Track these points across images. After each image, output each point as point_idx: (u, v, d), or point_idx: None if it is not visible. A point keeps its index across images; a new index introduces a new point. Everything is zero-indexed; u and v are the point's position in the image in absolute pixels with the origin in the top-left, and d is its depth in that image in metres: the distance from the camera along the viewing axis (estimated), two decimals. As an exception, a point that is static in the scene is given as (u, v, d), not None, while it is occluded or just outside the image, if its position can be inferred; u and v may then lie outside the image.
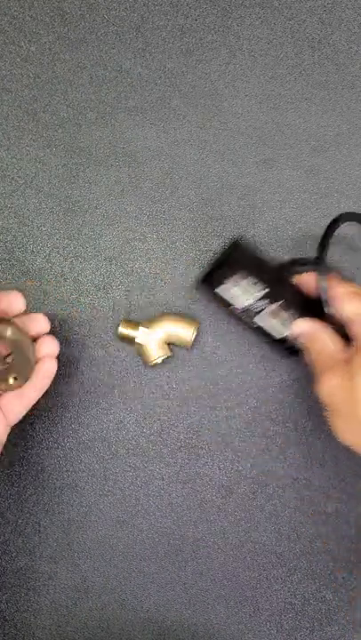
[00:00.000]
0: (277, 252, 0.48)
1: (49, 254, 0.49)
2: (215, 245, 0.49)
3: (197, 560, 0.47)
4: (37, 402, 0.42)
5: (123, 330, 0.46)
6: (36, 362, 0.41)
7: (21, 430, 0.47)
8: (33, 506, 0.48)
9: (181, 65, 0.50)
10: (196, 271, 0.49)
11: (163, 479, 0.47)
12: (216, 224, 0.49)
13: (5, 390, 0.40)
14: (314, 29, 0.50)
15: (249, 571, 0.47)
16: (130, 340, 0.46)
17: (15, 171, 0.49)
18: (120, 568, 0.47)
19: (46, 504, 0.48)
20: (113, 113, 0.50)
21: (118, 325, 0.46)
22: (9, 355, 0.40)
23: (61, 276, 0.48)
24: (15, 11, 0.50)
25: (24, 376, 0.40)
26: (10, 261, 0.49)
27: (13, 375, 0.40)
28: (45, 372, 0.42)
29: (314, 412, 0.47)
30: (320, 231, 0.48)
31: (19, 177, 0.49)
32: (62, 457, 0.48)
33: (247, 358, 0.48)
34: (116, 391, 0.48)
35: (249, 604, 0.47)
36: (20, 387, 0.40)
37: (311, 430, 0.47)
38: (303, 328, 0.42)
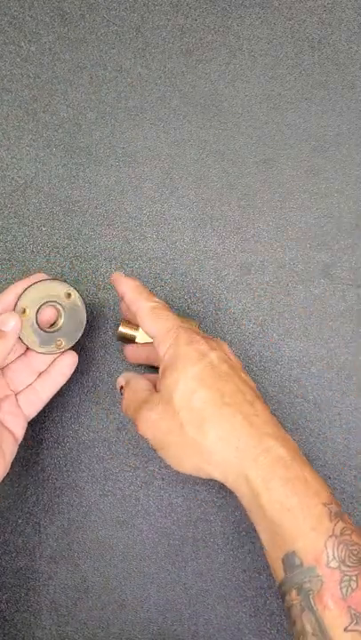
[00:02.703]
0: (277, 252, 0.49)
1: (49, 254, 0.49)
2: (215, 245, 0.49)
3: (197, 560, 0.47)
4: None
5: (123, 330, 0.46)
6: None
7: (21, 430, 0.48)
8: (33, 506, 0.48)
9: (181, 65, 0.50)
10: (196, 271, 0.49)
11: (163, 479, 0.47)
12: (216, 224, 0.49)
13: (50, 353, 0.42)
14: (314, 29, 0.50)
15: (249, 571, 0.47)
16: (130, 340, 0.46)
17: (15, 171, 0.49)
18: (120, 568, 0.47)
19: (46, 504, 0.48)
20: (113, 113, 0.50)
21: (118, 325, 0.46)
22: (60, 318, 0.42)
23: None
24: (15, 11, 0.50)
25: (70, 342, 0.43)
26: (10, 261, 0.49)
27: (60, 339, 0.42)
28: (64, 366, 0.43)
29: (314, 413, 0.47)
30: (320, 231, 0.48)
31: (19, 177, 0.49)
32: (62, 457, 0.48)
33: (246, 358, 0.48)
34: (115, 391, 0.48)
35: (249, 604, 0.47)
36: (62, 351, 0.43)
37: (311, 430, 0.47)
38: (120, 381, 0.42)
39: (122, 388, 0.41)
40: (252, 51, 0.50)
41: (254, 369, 0.48)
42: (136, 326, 0.46)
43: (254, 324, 0.48)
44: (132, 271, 0.49)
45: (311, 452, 0.47)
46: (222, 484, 0.35)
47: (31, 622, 0.47)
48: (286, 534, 0.32)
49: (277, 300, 0.48)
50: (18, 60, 0.50)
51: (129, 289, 0.40)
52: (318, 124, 0.49)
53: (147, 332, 0.39)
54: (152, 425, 0.36)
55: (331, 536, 0.31)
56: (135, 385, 0.40)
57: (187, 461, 0.36)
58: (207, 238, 0.49)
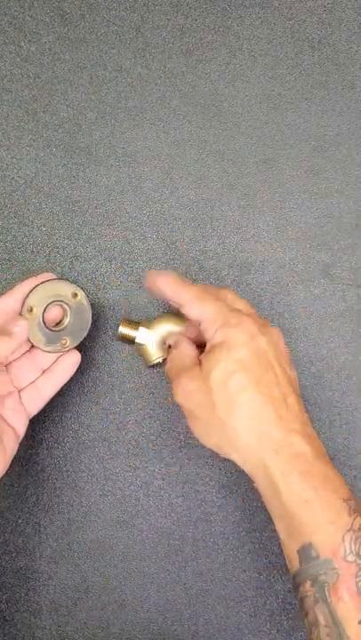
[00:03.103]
0: (277, 252, 0.49)
1: (49, 254, 0.49)
2: (215, 245, 0.49)
3: (197, 560, 0.47)
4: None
5: (123, 330, 0.46)
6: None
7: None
8: (33, 506, 0.48)
9: (181, 65, 0.50)
10: (196, 271, 0.49)
11: (163, 479, 0.47)
12: (216, 224, 0.49)
13: (55, 351, 0.43)
14: (314, 29, 0.50)
15: (249, 571, 0.47)
16: (130, 340, 0.46)
17: (15, 171, 0.49)
18: (120, 568, 0.47)
19: (46, 504, 0.48)
20: (113, 113, 0.50)
21: (118, 325, 0.46)
22: (66, 318, 0.43)
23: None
24: (15, 11, 0.50)
25: (75, 341, 0.43)
26: (10, 261, 0.49)
27: (66, 338, 0.43)
28: (68, 364, 0.43)
29: (314, 413, 0.47)
30: (320, 231, 0.48)
31: (19, 177, 0.49)
32: (62, 457, 0.48)
33: (247, 358, 0.48)
34: (115, 391, 0.48)
35: (249, 604, 0.47)
36: (67, 350, 0.43)
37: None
38: (169, 340, 0.42)
39: (170, 347, 0.42)
40: (252, 51, 0.50)
41: (254, 369, 0.48)
42: (136, 326, 0.46)
43: (254, 323, 0.48)
44: (132, 271, 0.49)
45: (311, 452, 0.47)
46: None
47: (31, 622, 0.47)
48: (303, 526, 0.32)
49: (277, 300, 0.48)
50: (18, 60, 0.50)
51: (167, 286, 0.40)
52: (318, 124, 0.49)
53: (195, 319, 0.39)
54: (187, 394, 0.37)
55: (349, 530, 0.32)
56: (184, 349, 0.40)
57: (211, 437, 0.36)
58: (207, 238, 0.49)
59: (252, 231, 0.49)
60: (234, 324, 0.37)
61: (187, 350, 0.40)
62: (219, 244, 0.49)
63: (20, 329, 0.40)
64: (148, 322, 0.46)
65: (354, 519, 0.32)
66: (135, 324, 0.46)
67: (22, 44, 0.50)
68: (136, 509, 0.47)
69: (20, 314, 0.41)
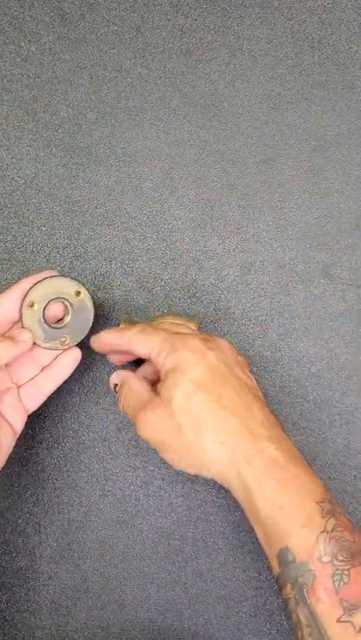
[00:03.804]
0: (277, 252, 0.49)
1: (49, 254, 0.49)
2: (215, 245, 0.49)
3: (197, 560, 0.47)
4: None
5: (123, 330, 0.46)
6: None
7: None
8: (33, 506, 0.48)
9: (181, 65, 0.50)
10: (196, 271, 0.49)
11: (163, 479, 0.47)
12: (216, 224, 0.49)
13: (53, 348, 0.43)
14: (314, 29, 0.50)
15: (249, 571, 0.47)
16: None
17: (15, 171, 0.49)
18: (120, 568, 0.47)
19: (46, 504, 0.48)
20: (113, 113, 0.50)
21: (118, 325, 0.46)
22: (68, 316, 0.43)
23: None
24: (15, 11, 0.50)
25: (75, 339, 0.43)
26: (10, 261, 0.49)
27: (65, 336, 0.43)
28: (68, 361, 0.43)
29: (314, 413, 0.47)
30: (320, 231, 0.48)
31: (19, 177, 0.49)
32: (62, 457, 0.48)
33: (246, 358, 0.48)
34: (116, 391, 0.48)
35: (249, 604, 0.47)
36: (67, 349, 0.43)
37: (311, 430, 0.47)
38: (114, 380, 0.42)
39: (116, 386, 0.42)
40: (252, 51, 0.50)
41: (254, 369, 0.48)
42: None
43: (254, 324, 0.48)
44: (132, 271, 0.49)
45: (311, 452, 0.47)
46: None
47: (31, 622, 0.47)
48: (280, 531, 0.33)
49: (277, 299, 0.48)
50: (18, 60, 0.50)
51: (111, 337, 0.41)
52: (318, 124, 0.49)
53: (144, 354, 0.39)
54: (151, 427, 0.37)
55: (322, 532, 0.32)
56: (134, 385, 0.40)
57: (184, 461, 0.37)
58: (207, 238, 0.49)
59: (252, 231, 0.49)
60: (180, 346, 0.38)
61: (137, 385, 0.40)
62: (219, 244, 0.49)
63: (26, 339, 0.41)
64: (148, 322, 0.46)
65: (327, 521, 0.33)
66: (135, 324, 0.46)
67: (22, 44, 0.50)
68: (136, 509, 0.47)
69: (21, 309, 0.41)
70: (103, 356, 0.46)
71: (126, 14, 0.50)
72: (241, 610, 0.47)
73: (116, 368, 0.47)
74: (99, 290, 0.49)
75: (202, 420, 0.36)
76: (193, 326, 0.46)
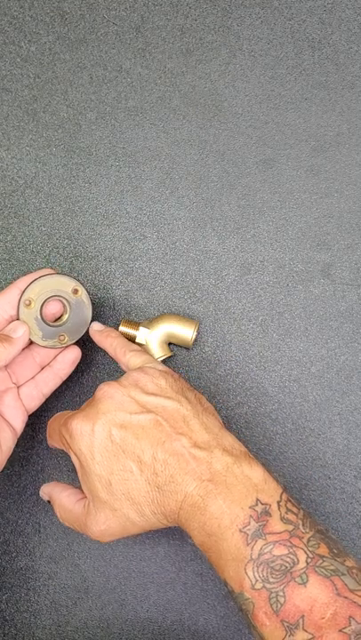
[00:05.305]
0: (277, 252, 0.49)
1: (49, 254, 0.49)
2: (215, 245, 0.49)
3: (197, 560, 0.47)
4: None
5: (123, 329, 0.46)
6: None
7: (21, 430, 0.47)
8: (33, 506, 0.48)
9: (181, 65, 0.50)
10: (196, 271, 0.49)
11: (163, 479, 0.47)
12: (216, 224, 0.49)
13: (52, 347, 0.43)
14: (314, 29, 0.50)
15: (249, 571, 0.47)
16: (130, 340, 0.46)
17: (15, 171, 0.49)
18: (120, 568, 0.47)
19: (46, 504, 0.48)
20: (113, 113, 0.50)
21: (118, 325, 0.46)
22: (65, 314, 0.43)
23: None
24: (15, 11, 0.50)
25: (73, 337, 0.43)
26: (10, 261, 0.49)
27: (64, 334, 0.43)
28: (67, 360, 0.43)
29: (314, 413, 0.47)
30: (320, 231, 0.48)
31: (19, 177, 0.49)
32: (62, 457, 0.48)
33: (247, 358, 0.48)
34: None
35: (249, 604, 0.47)
36: (65, 347, 0.43)
37: (311, 430, 0.47)
38: (42, 495, 0.42)
39: (49, 501, 0.42)
40: (252, 51, 0.50)
41: (254, 369, 0.48)
42: (136, 326, 0.46)
43: (254, 324, 0.48)
44: (132, 271, 0.49)
45: (311, 452, 0.47)
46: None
47: (31, 622, 0.47)
48: (215, 566, 0.34)
49: (277, 300, 0.48)
50: (18, 60, 0.50)
51: (96, 337, 0.44)
52: (318, 124, 0.49)
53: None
54: (105, 531, 0.37)
55: (249, 561, 0.32)
56: (61, 500, 0.40)
57: (151, 526, 0.37)
58: (207, 238, 0.49)
59: (252, 231, 0.49)
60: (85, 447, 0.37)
61: (64, 499, 0.40)
62: (219, 244, 0.49)
63: (20, 335, 0.40)
64: (148, 322, 0.46)
65: (252, 548, 0.32)
66: (135, 323, 0.46)
67: (22, 44, 0.50)
68: (136, 509, 0.47)
69: (18, 306, 0.41)
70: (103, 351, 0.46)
71: (126, 14, 0.50)
72: (241, 610, 0.47)
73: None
74: (98, 290, 0.49)
75: (133, 499, 0.36)
76: (193, 326, 0.46)
